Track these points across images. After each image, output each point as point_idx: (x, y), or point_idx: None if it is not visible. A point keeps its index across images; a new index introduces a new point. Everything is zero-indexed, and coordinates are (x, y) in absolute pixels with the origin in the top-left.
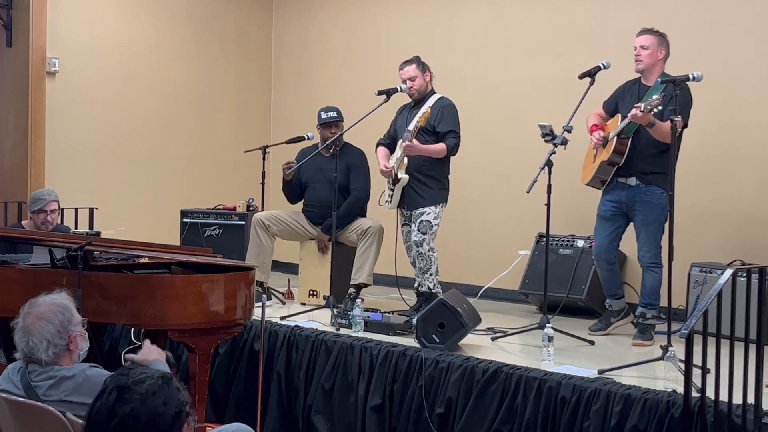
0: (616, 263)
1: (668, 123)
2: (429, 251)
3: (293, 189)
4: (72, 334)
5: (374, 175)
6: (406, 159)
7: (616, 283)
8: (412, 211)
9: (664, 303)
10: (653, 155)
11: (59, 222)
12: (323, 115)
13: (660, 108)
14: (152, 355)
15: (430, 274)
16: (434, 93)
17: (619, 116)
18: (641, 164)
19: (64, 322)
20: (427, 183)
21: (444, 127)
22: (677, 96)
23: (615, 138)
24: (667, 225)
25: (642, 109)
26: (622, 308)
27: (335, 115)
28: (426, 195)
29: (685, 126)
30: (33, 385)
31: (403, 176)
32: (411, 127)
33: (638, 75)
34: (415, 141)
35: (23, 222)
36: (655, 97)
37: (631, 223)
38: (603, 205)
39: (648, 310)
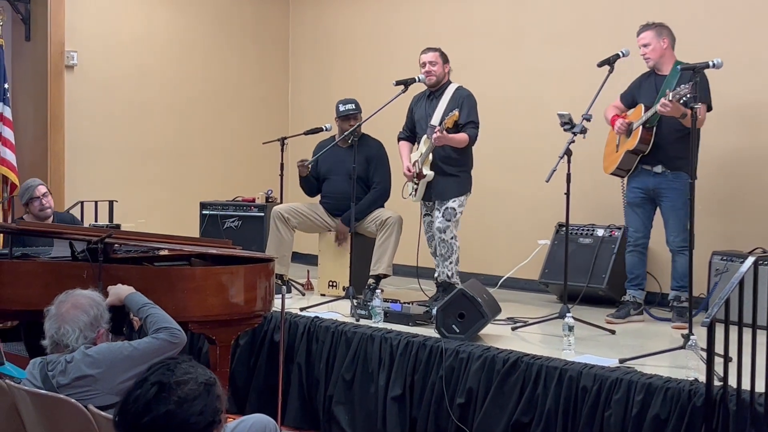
0: (647, 250)
1: (697, 109)
2: (452, 239)
3: (310, 183)
4: (101, 330)
5: (395, 167)
6: (431, 156)
7: (643, 272)
8: (436, 202)
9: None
10: (677, 141)
11: (55, 208)
12: (341, 108)
13: (689, 95)
14: (124, 292)
15: (450, 262)
16: (451, 83)
17: (641, 106)
18: (666, 152)
19: (98, 316)
20: (453, 174)
21: (464, 118)
22: (697, 83)
23: (640, 127)
24: (676, 211)
25: (670, 99)
26: (641, 302)
27: (353, 107)
28: (453, 186)
29: (709, 108)
30: (49, 375)
31: (429, 173)
32: (435, 122)
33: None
34: (445, 132)
35: (24, 216)
36: (683, 86)
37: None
38: (631, 192)
39: (682, 292)
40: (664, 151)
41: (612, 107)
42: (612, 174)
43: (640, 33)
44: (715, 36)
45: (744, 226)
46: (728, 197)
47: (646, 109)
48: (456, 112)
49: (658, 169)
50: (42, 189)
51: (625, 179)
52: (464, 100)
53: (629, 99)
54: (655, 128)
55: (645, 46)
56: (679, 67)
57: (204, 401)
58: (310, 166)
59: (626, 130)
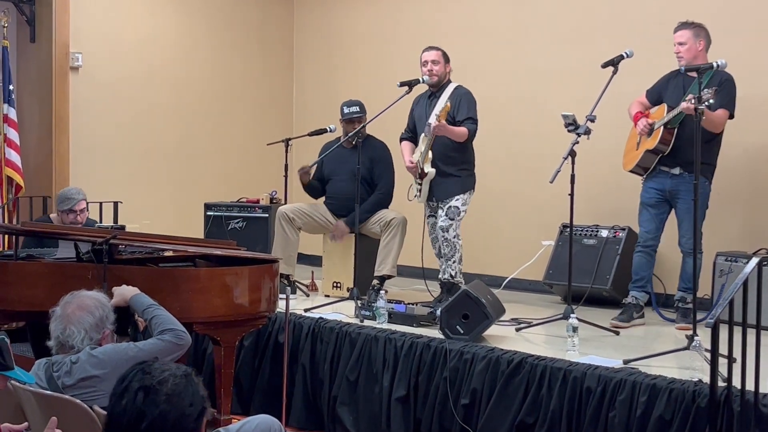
0: (656, 253)
1: (717, 113)
2: (455, 237)
3: (313, 189)
4: (106, 331)
5: (399, 168)
6: (430, 153)
7: (650, 274)
8: (439, 202)
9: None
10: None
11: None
12: (345, 110)
13: (712, 100)
14: (128, 293)
15: (454, 262)
16: (451, 82)
17: (665, 105)
18: (686, 154)
19: (103, 317)
20: (455, 173)
21: (461, 114)
22: (701, 84)
23: (662, 127)
24: (691, 213)
25: (693, 102)
26: (643, 305)
27: (357, 110)
28: (455, 184)
29: (731, 117)
30: (54, 376)
31: (430, 170)
32: (432, 120)
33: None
34: (443, 121)
35: (51, 215)
36: (707, 90)
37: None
38: (646, 192)
39: (688, 294)
40: (684, 153)
41: (637, 103)
42: (630, 171)
43: (677, 30)
44: (720, 37)
45: (760, 226)
46: (731, 198)
47: (670, 109)
48: (448, 104)
49: (676, 170)
50: (82, 204)
51: (642, 179)
52: (462, 98)
53: (655, 96)
54: (676, 130)
55: (681, 44)
56: (683, 69)
57: (190, 392)
58: (311, 172)
59: (649, 130)
